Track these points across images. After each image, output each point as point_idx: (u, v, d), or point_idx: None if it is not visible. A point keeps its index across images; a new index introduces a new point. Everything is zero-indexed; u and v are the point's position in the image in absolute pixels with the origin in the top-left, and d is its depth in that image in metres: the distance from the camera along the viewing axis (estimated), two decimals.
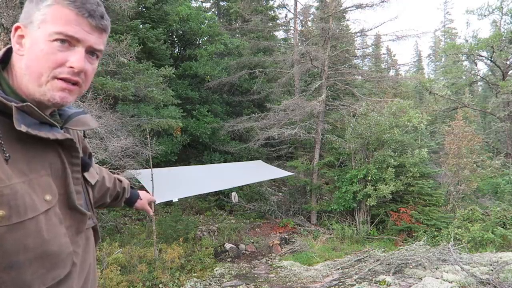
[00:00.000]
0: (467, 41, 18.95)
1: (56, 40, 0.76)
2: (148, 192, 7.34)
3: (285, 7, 16.11)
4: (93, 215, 0.96)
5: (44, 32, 0.76)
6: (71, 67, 0.77)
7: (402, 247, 8.31)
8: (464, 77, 21.69)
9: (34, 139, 0.76)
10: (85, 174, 0.95)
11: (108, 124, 6.67)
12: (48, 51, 0.76)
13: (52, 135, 0.78)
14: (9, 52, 0.81)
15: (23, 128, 0.72)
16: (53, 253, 0.75)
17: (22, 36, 0.78)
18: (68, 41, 0.77)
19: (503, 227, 9.00)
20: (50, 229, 0.75)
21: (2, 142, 0.70)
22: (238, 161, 13.23)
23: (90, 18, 0.79)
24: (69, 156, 0.85)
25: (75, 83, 0.80)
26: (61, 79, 0.77)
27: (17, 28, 0.79)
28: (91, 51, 0.82)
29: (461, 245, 7.92)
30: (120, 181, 1.37)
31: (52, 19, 0.76)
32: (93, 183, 0.99)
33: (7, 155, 0.70)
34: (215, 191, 11.14)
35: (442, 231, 9.73)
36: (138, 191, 1.51)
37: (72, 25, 0.77)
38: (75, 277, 0.82)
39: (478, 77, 20.60)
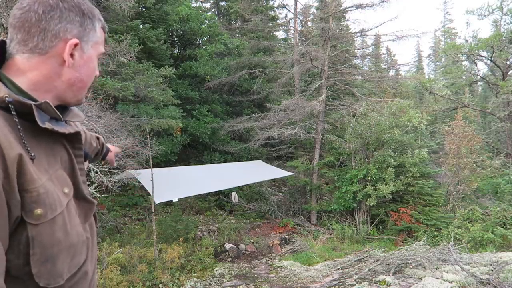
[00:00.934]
0: (467, 41, 18.95)
1: (98, 59, 0.91)
2: (149, 193, 7.35)
3: (285, 7, 16.12)
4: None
5: (96, 51, 0.89)
6: (96, 75, 0.92)
7: (402, 247, 8.32)
8: (464, 77, 21.68)
9: (46, 135, 0.78)
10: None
11: (108, 124, 6.67)
12: (95, 67, 0.90)
13: (66, 130, 0.83)
14: (1, 47, 0.79)
15: (48, 126, 0.75)
16: (75, 242, 0.80)
17: (75, 49, 0.83)
18: None
19: (503, 227, 9.00)
20: (71, 221, 0.80)
21: (25, 142, 0.71)
22: (238, 161, 13.23)
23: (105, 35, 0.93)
24: (73, 149, 0.88)
25: None
26: None
27: (76, 44, 0.82)
28: None
29: (461, 245, 7.92)
30: (98, 138, 1.43)
31: (101, 41, 0.90)
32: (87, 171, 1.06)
33: (32, 154, 0.72)
34: (215, 191, 11.14)
35: (442, 231, 9.73)
36: (108, 144, 1.58)
37: (104, 44, 0.92)
38: (89, 260, 0.89)
39: (478, 77, 20.59)
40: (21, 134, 0.71)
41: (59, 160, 0.81)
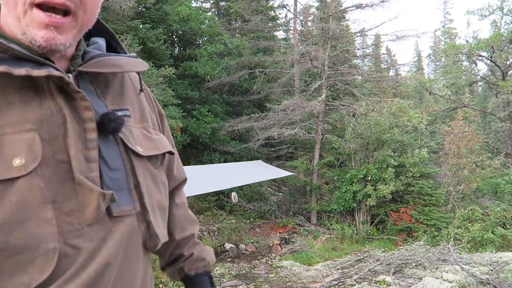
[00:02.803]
0: (467, 41, 18.96)
1: None
2: None
3: (285, 7, 16.12)
4: (135, 200, 0.64)
5: None
6: None
7: (402, 247, 8.31)
8: (464, 77, 21.68)
9: (15, 83, 0.54)
10: (128, 139, 0.65)
11: None
12: None
13: (25, 71, 0.52)
14: None
15: None
16: (13, 247, 0.50)
17: None
18: None
19: (503, 227, 9.00)
20: (12, 212, 0.50)
21: None
22: (238, 161, 13.22)
23: None
24: (73, 108, 0.58)
25: (65, 13, 0.56)
26: (40, 5, 0.53)
27: None
28: None
29: (461, 245, 7.92)
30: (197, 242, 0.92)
31: None
32: (142, 154, 0.66)
33: None
34: (215, 191, 11.13)
35: (442, 231, 9.73)
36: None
37: None
38: (69, 284, 0.53)
39: (478, 77, 20.59)
40: None
41: (37, 119, 0.54)
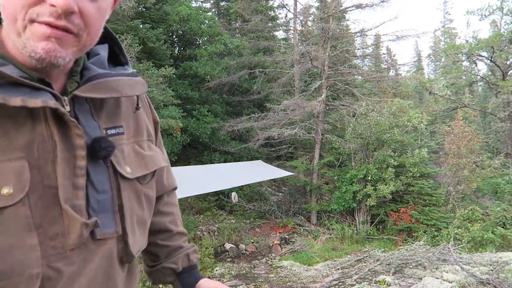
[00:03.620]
0: (467, 41, 18.96)
1: None
2: None
3: (285, 7, 16.13)
4: (117, 222, 0.66)
5: None
6: (51, 4, 0.52)
7: (402, 247, 8.31)
8: (464, 77, 21.68)
9: (8, 110, 0.52)
10: (117, 162, 0.66)
11: None
12: None
13: (20, 101, 0.51)
14: None
15: None
16: (0, 273, 0.51)
17: None
18: None
19: (503, 227, 9.00)
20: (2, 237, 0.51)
21: None
22: (238, 161, 13.22)
23: None
24: (65, 134, 0.58)
25: (68, 31, 0.55)
26: (41, 22, 0.53)
27: None
28: None
29: (461, 245, 7.92)
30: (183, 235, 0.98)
31: None
32: (129, 176, 0.68)
33: None
34: (215, 191, 11.13)
35: (442, 231, 9.73)
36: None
37: None
38: None
39: (478, 77, 20.59)
40: None
41: (28, 147, 0.54)
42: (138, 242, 0.73)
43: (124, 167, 0.67)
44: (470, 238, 8.42)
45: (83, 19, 0.56)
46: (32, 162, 0.54)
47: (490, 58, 17.16)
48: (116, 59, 0.75)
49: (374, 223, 11.34)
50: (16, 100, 0.51)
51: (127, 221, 0.67)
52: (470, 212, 9.89)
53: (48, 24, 0.53)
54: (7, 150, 0.53)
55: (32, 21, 0.53)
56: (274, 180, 14.71)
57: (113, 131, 0.67)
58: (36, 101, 0.53)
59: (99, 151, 0.61)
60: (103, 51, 0.71)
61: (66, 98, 0.60)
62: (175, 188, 0.98)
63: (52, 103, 0.55)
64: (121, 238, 0.67)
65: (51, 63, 0.55)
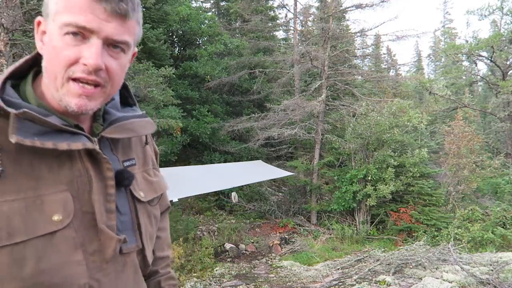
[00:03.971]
0: (467, 41, 18.96)
1: (67, 33, 0.64)
2: None
3: (285, 7, 16.12)
4: (138, 238, 0.80)
5: (57, 24, 0.64)
6: (84, 64, 0.64)
7: (402, 247, 8.31)
8: (464, 77, 21.67)
9: (57, 152, 0.66)
10: (133, 188, 0.81)
11: None
12: (60, 47, 0.64)
13: (65, 146, 0.65)
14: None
15: (14, 139, 0.60)
16: (53, 285, 0.63)
17: (44, 32, 0.68)
18: (81, 33, 0.64)
19: (503, 227, 9.00)
20: (51, 256, 0.63)
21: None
22: (238, 161, 13.22)
23: (105, 3, 0.64)
24: (97, 168, 0.72)
25: (96, 85, 0.67)
26: (75, 79, 0.66)
27: (38, 23, 0.69)
28: (112, 44, 0.68)
29: (461, 245, 7.93)
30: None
31: (64, 9, 0.64)
32: (143, 200, 0.83)
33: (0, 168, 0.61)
34: (215, 191, 11.14)
35: (442, 231, 9.73)
36: None
37: (85, 13, 0.63)
38: None
39: (478, 77, 20.58)
40: None
41: (69, 181, 0.68)
42: (151, 254, 0.88)
43: (138, 192, 0.82)
44: (470, 238, 8.42)
45: (108, 73, 0.68)
46: (73, 193, 0.68)
47: (490, 58, 17.16)
48: (125, 100, 0.89)
49: (374, 223, 11.34)
50: (63, 144, 0.65)
51: (144, 237, 0.82)
52: (470, 212, 9.89)
53: (81, 79, 0.66)
54: (54, 185, 0.66)
55: (69, 79, 0.66)
56: (274, 180, 14.71)
57: (128, 163, 0.82)
58: (77, 145, 0.67)
59: (122, 180, 0.76)
60: (116, 96, 0.86)
61: (95, 139, 0.74)
62: (169, 208, 1.09)
63: (90, 145, 0.69)
64: (140, 252, 0.83)
65: (81, 114, 0.69)
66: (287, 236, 10.37)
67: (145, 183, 0.86)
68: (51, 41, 0.66)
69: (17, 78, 0.72)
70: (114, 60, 0.69)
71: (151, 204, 0.87)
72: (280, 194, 14.59)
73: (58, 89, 0.66)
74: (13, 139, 0.60)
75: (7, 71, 0.69)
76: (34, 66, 0.73)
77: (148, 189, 0.86)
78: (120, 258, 0.76)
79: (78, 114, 0.68)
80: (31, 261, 0.62)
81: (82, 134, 0.70)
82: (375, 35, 17.07)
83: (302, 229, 11.19)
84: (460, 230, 9.06)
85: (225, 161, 13.30)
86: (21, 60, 0.72)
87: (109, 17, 0.65)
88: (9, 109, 0.62)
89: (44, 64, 0.68)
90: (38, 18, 0.69)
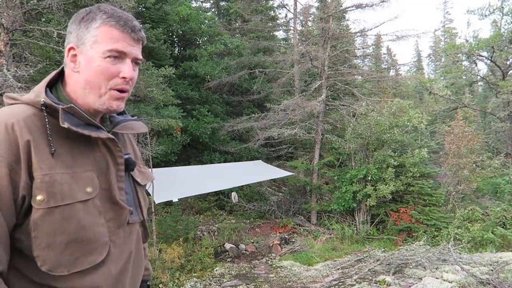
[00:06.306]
0: (467, 41, 18.90)
1: (108, 56, 0.89)
2: (149, 193, 7.35)
3: (285, 7, 16.11)
4: (139, 212, 1.05)
5: (98, 50, 0.89)
6: (124, 77, 0.91)
7: (402, 247, 8.31)
8: (464, 77, 21.67)
9: (82, 139, 0.89)
10: (134, 174, 1.05)
11: None
12: (104, 66, 0.89)
13: (95, 134, 0.89)
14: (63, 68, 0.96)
15: (66, 125, 0.82)
16: (88, 239, 0.85)
17: (75, 56, 0.91)
18: (119, 56, 0.90)
19: (503, 227, 9.00)
20: (87, 217, 0.85)
21: (50, 139, 0.83)
22: (238, 161, 13.22)
23: (133, 33, 0.92)
24: (112, 156, 0.95)
25: (125, 91, 0.94)
26: (116, 89, 0.91)
27: (70, 49, 0.92)
28: (135, 61, 0.95)
29: (461, 245, 7.92)
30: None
31: (102, 39, 0.89)
32: (141, 183, 1.09)
33: (53, 149, 0.82)
34: (215, 191, 11.14)
35: (442, 231, 9.72)
36: None
37: (120, 41, 0.90)
38: (112, 262, 0.91)
39: (478, 77, 20.57)
40: (48, 131, 0.83)
41: (93, 163, 0.90)
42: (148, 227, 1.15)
43: (137, 178, 1.07)
44: (470, 238, 8.41)
45: (131, 82, 0.95)
46: (97, 173, 0.90)
47: (490, 58, 17.16)
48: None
49: (374, 223, 11.33)
50: (94, 133, 0.88)
51: (143, 213, 1.08)
52: (470, 212, 9.89)
53: (122, 89, 0.92)
54: (84, 165, 0.88)
55: (110, 88, 0.91)
56: (274, 180, 14.71)
57: (127, 156, 1.02)
58: (102, 135, 0.91)
59: (128, 165, 1.01)
60: None
61: (109, 134, 0.95)
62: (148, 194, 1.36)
63: (110, 136, 0.93)
64: (141, 224, 1.08)
65: (116, 111, 0.95)
66: (287, 236, 10.37)
67: (139, 173, 1.10)
68: (92, 62, 0.89)
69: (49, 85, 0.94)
70: (135, 72, 0.95)
71: (143, 188, 1.12)
72: (280, 194, 14.59)
73: (102, 95, 0.91)
74: (65, 125, 0.82)
75: (45, 80, 0.91)
76: (58, 77, 0.96)
77: (142, 177, 1.10)
78: (127, 227, 0.97)
79: (115, 112, 0.95)
80: (75, 219, 0.82)
81: (102, 128, 0.92)
82: (375, 35, 17.07)
83: (302, 229, 11.18)
84: (460, 230, 9.05)
85: (225, 161, 13.30)
86: (53, 73, 0.95)
87: (134, 43, 0.93)
88: (59, 105, 0.85)
89: (85, 78, 0.90)
90: (70, 45, 0.92)
